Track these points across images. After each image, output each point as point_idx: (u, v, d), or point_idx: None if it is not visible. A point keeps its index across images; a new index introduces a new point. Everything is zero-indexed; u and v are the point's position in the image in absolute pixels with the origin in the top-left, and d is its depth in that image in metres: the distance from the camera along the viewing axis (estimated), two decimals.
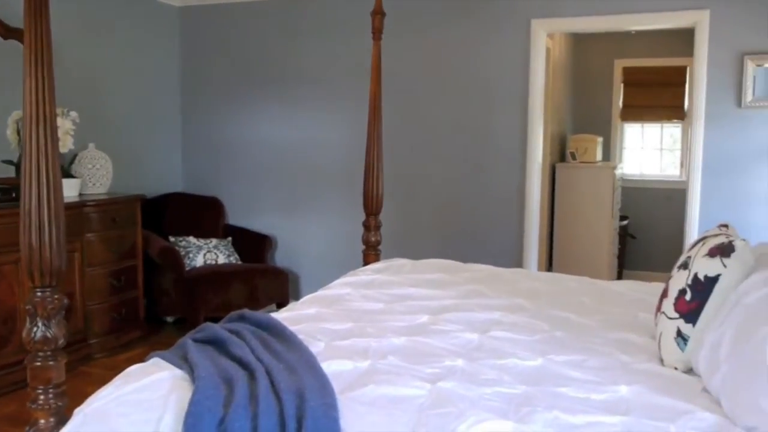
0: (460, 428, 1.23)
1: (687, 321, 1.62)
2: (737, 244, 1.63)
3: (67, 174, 3.54)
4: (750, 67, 3.48)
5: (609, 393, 1.42)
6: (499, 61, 3.89)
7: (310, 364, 1.50)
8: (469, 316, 1.97)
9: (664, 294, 1.76)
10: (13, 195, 3.14)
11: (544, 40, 3.87)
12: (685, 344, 1.60)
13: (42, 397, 1.50)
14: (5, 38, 3.29)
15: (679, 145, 5.79)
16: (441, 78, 4.03)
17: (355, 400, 1.35)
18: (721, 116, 3.56)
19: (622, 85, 5.76)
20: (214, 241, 4.19)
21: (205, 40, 4.58)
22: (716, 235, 1.77)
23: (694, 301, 1.62)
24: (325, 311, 2.02)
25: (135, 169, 4.20)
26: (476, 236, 3.98)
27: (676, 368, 1.61)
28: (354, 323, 1.89)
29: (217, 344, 1.63)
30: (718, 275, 1.60)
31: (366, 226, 2.86)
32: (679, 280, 1.70)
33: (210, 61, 4.58)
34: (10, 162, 3.32)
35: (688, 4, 3.55)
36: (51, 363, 1.51)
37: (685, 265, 1.72)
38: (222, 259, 4.10)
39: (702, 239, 1.80)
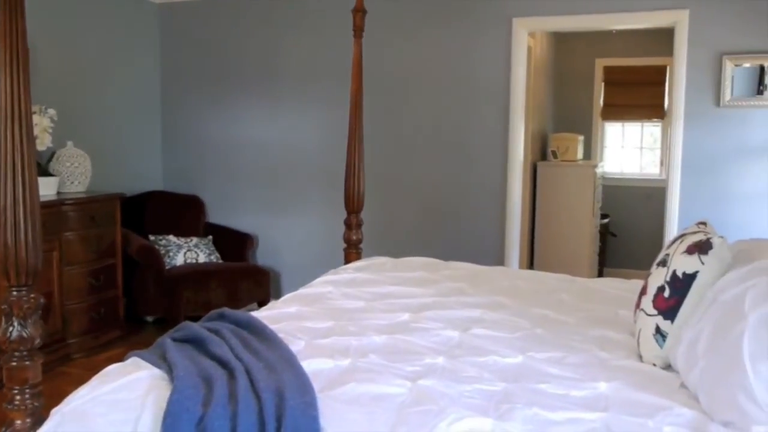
0: (440, 425, 1.23)
1: (665, 318, 1.64)
2: (715, 241, 1.65)
3: (45, 172, 3.48)
4: (728, 66, 3.54)
5: (588, 389, 1.43)
6: (480, 60, 3.91)
7: (290, 362, 1.49)
8: (450, 314, 1.97)
9: (643, 291, 1.78)
10: None
11: (526, 39, 3.89)
12: (664, 341, 1.62)
13: (18, 397, 1.47)
14: None
15: (659, 144, 5.87)
16: (422, 76, 4.03)
17: (335, 399, 1.35)
18: (700, 115, 3.61)
19: (602, 84, 5.82)
20: (195, 239, 4.15)
21: (184, 36, 4.53)
22: (694, 233, 1.80)
23: (673, 298, 1.64)
24: (305, 310, 2.01)
25: (114, 167, 4.14)
26: (458, 234, 3.99)
27: (654, 364, 1.63)
28: (335, 322, 1.89)
29: (197, 343, 1.62)
30: (696, 272, 1.62)
31: (347, 224, 2.85)
32: (658, 277, 1.72)
33: (190, 58, 4.52)
34: None
35: (668, 3, 3.59)
36: (27, 363, 1.49)
37: (663, 263, 1.74)
38: (202, 258, 4.06)
39: (680, 237, 1.82)
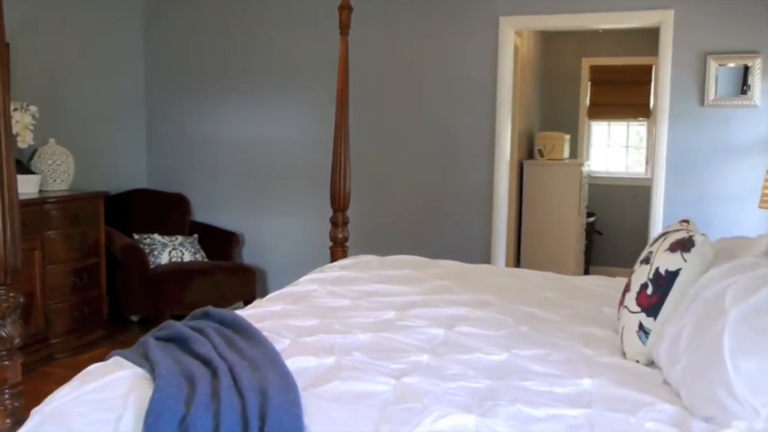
0: (424, 423, 1.23)
1: (648, 315, 1.65)
2: (697, 239, 1.67)
3: (27, 170, 3.43)
4: (713, 66, 3.57)
5: (572, 386, 1.44)
6: (467, 58, 3.91)
7: (274, 360, 1.48)
8: (436, 312, 1.98)
9: (627, 288, 1.79)
10: None
11: (512, 38, 3.90)
12: (647, 337, 1.64)
13: None
14: None
15: (644, 143, 5.92)
16: (409, 74, 4.03)
17: (318, 397, 1.34)
18: (685, 115, 3.64)
19: (589, 83, 5.85)
20: (180, 238, 4.11)
21: (169, 32, 4.48)
22: (677, 230, 1.81)
23: (656, 295, 1.65)
24: (291, 308, 2.00)
25: (97, 164, 4.09)
26: (444, 232, 4.00)
27: (637, 361, 1.64)
28: (320, 320, 1.88)
29: (180, 342, 1.60)
30: (679, 269, 1.64)
31: (333, 222, 2.84)
32: (641, 274, 1.73)
33: (175, 54, 4.48)
34: None
35: (653, 3, 3.62)
36: (6, 363, 1.47)
37: (647, 260, 1.76)
38: (188, 257, 4.03)
39: (664, 234, 1.84)
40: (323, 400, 1.33)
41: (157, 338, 1.64)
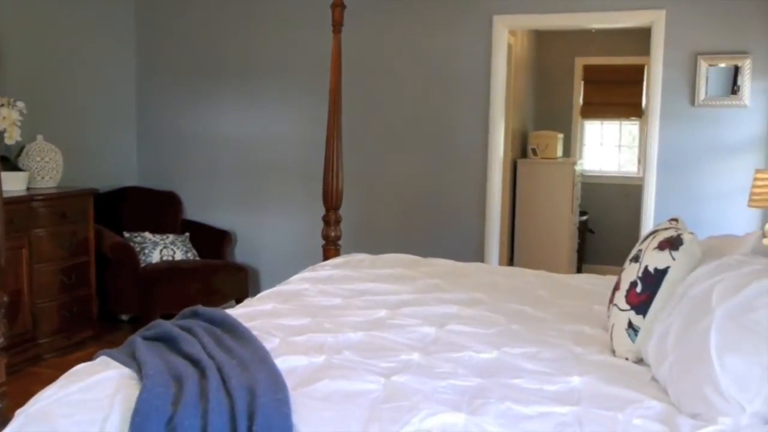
0: (413, 421, 1.23)
1: (638, 312, 1.66)
2: (685, 237, 1.68)
3: (14, 167, 3.39)
4: (703, 66, 3.59)
5: (561, 384, 1.44)
6: (460, 57, 3.91)
7: (263, 360, 1.47)
8: (427, 311, 1.98)
9: (617, 286, 1.80)
10: None
11: (506, 37, 3.91)
12: (636, 335, 1.64)
13: None
14: None
15: (637, 143, 5.94)
16: (402, 72, 4.02)
17: (308, 396, 1.34)
18: (676, 114, 3.66)
19: (582, 82, 5.87)
20: (171, 236, 4.09)
21: (161, 28, 4.45)
22: (666, 229, 1.82)
23: (645, 293, 1.66)
24: (281, 307, 2.00)
25: (87, 162, 4.05)
26: (437, 231, 4.00)
27: (627, 358, 1.65)
28: (311, 318, 1.88)
29: (168, 342, 1.59)
30: (667, 267, 1.64)
31: (326, 221, 2.84)
32: (631, 272, 1.74)
33: (166, 50, 4.45)
34: None
35: (645, 3, 3.63)
36: None
37: (636, 258, 1.76)
38: (179, 255, 4.00)
39: (653, 233, 1.85)
40: (312, 400, 1.32)
41: (145, 338, 1.62)
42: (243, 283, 4.04)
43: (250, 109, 4.32)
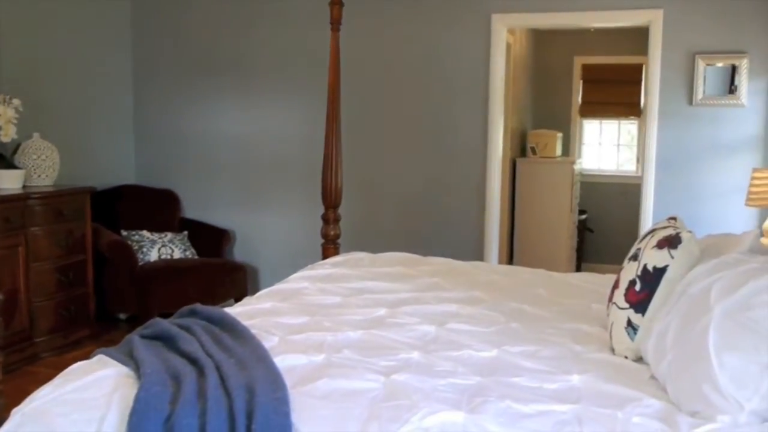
0: (412, 420, 1.23)
1: (637, 311, 1.66)
2: (684, 236, 1.68)
3: (10, 165, 3.37)
4: (701, 66, 3.60)
5: (561, 382, 1.44)
6: (459, 56, 3.91)
7: (262, 358, 1.47)
8: (427, 309, 1.97)
9: (616, 285, 1.80)
10: None
11: (505, 36, 3.91)
12: (635, 333, 1.64)
13: None
14: None
15: (635, 142, 5.95)
16: (401, 71, 4.02)
17: (307, 395, 1.33)
18: (674, 113, 3.67)
19: (581, 81, 5.87)
20: (169, 235, 4.07)
21: (158, 26, 4.43)
22: (665, 228, 1.82)
23: (644, 291, 1.66)
24: (280, 305, 1.99)
25: (84, 160, 4.03)
26: (437, 230, 4.00)
27: (626, 357, 1.65)
28: (310, 317, 1.87)
29: (166, 340, 1.58)
30: (666, 266, 1.64)
31: (325, 219, 2.83)
32: (630, 271, 1.74)
33: (164, 47, 4.43)
34: None
35: (643, 3, 3.64)
36: None
37: (635, 257, 1.77)
38: (178, 254, 3.99)
39: (651, 232, 1.85)
40: (312, 398, 1.32)
41: (143, 336, 1.62)
42: (242, 282, 4.03)
43: (249, 107, 4.31)
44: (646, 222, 3.73)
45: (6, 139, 3.26)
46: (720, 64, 3.59)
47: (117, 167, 4.36)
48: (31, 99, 3.53)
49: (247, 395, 1.29)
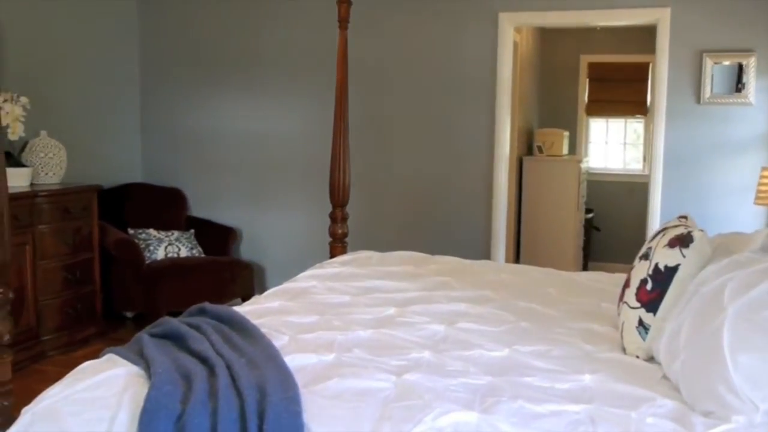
0: (425, 420, 1.22)
1: (648, 310, 1.65)
2: (695, 234, 1.67)
3: (18, 163, 3.38)
4: (708, 64, 3.58)
5: (573, 382, 1.43)
6: (466, 54, 3.89)
7: (273, 357, 1.46)
8: (436, 308, 1.96)
9: (626, 284, 1.79)
10: None
11: (512, 34, 3.89)
12: (647, 333, 1.63)
13: None
14: None
15: (641, 140, 5.93)
16: (408, 70, 4.00)
17: (318, 394, 1.33)
18: (682, 112, 3.65)
19: (587, 80, 5.85)
20: (176, 233, 4.07)
21: (165, 23, 4.43)
22: (676, 226, 1.81)
23: (655, 290, 1.65)
24: (289, 304, 1.98)
25: (91, 158, 4.03)
26: (444, 228, 3.99)
27: (637, 356, 1.64)
28: (319, 316, 1.86)
29: (176, 339, 1.58)
30: (678, 265, 1.63)
31: (333, 218, 2.82)
32: (641, 270, 1.73)
33: (171, 45, 4.43)
34: None
35: (651, 1, 3.62)
36: None
37: (646, 256, 1.75)
38: (184, 252, 3.99)
39: (662, 230, 1.83)
40: (323, 398, 1.31)
41: (153, 335, 1.61)
42: (248, 281, 4.03)
43: (256, 106, 4.30)
44: (654, 221, 3.71)
45: (14, 137, 3.26)
46: (727, 63, 3.57)
47: (124, 165, 4.37)
48: (39, 97, 3.53)
49: (259, 395, 1.28)
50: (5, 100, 3.18)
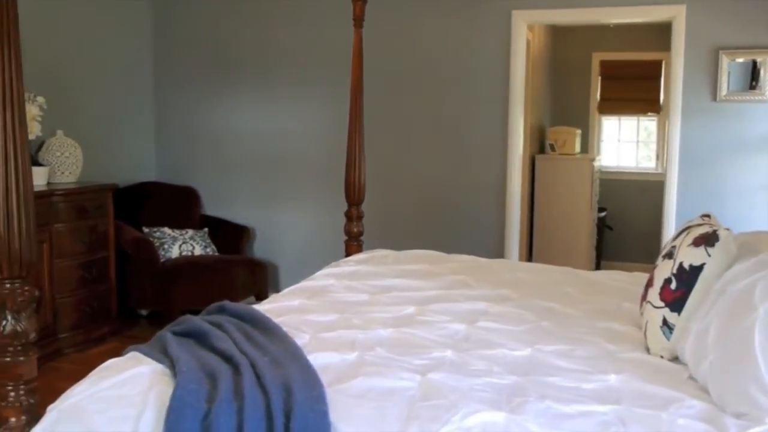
0: (453, 420, 1.21)
1: (672, 310, 1.63)
2: (721, 233, 1.65)
3: (35, 162, 3.40)
4: (725, 61, 3.54)
5: (598, 382, 1.42)
6: (479, 52, 3.88)
7: (296, 356, 1.46)
8: (455, 307, 1.95)
9: (649, 283, 1.77)
10: None
11: (525, 32, 3.87)
12: (671, 333, 1.61)
13: (12, 394, 1.42)
14: None
15: (653, 138, 5.88)
16: (422, 68, 3.99)
17: (343, 393, 1.32)
18: (697, 110, 3.61)
19: (599, 78, 5.81)
20: (190, 231, 4.09)
21: (179, 22, 4.44)
22: (700, 225, 1.79)
23: (680, 290, 1.63)
24: (308, 303, 1.98)
25: (106, 157, 4.05)
26: (457, 227, 3.97)
27: (662, 356, 1.62)
28: (339, 315, 1.86)
29: (198, 337, 1.58)
30: (703, 264, 1.61)
31: (348, 216, 2.81)
32: (664, 269, 1.71)
33: (184, 45, 4.44)
34: None
35: None
36: (21, 358, 1.44)
37: (669, 255, 1.73)
38: (198, 251, 4.00)
39: (686, 229, 1.81)
40: (348, 397, 1.30)
41: (175, 333, 1.61)
42: (262, 279, 4.03)
43: (269, 104, 4.30)
44: (669, 220, 3.68)
45: (30, 137, 3.27)
46: (741, 60, 3.53)
47: (138, 164, 4.38)
48: (55, 97, 3.55)
49: (285, 394, 1.28)
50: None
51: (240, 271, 3.94)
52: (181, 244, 3.94)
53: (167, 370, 1.40)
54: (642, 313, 1.76)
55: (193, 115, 4.45)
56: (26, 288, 1.46)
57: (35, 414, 1.42)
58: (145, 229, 3.97)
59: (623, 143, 5.99)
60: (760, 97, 3.53)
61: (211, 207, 4.44)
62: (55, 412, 1.32)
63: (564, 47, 5.74)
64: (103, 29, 4.09)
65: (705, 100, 3.61)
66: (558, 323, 1.84)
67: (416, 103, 4.02)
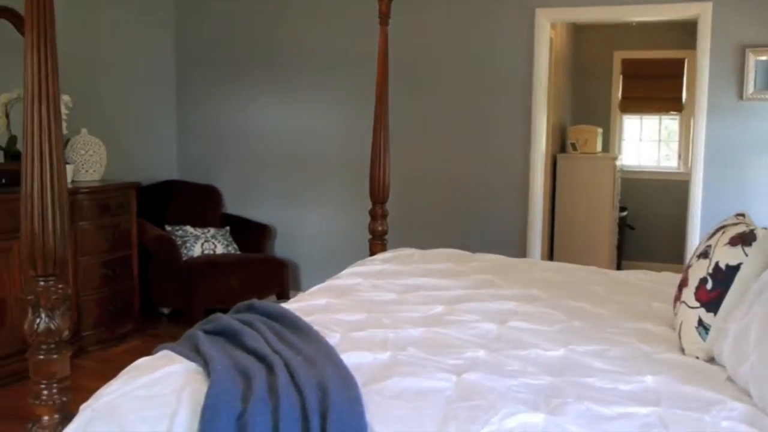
0: (493, 421, 1.19)
1: (708, 310, 1.60)
2: (759, 233, 1.61)
3: None
4: (751, 59, 3.47)
5: (635, 383, 1.40)
6: (503, 50, 3.85)
7: (329, 355, 1.44)
8: (484, 306, 1.94)
9: (684, 283, 1.74)
10: (2, 181, 3.01)
11: (548, 30, 3.83)
12: (707, 333, 1.58)
13: (45, 392, 1.42)
14: None
15: (675, 137, 5.80)
16: (444, 66, 3.97)
17: (378, 393, 1.31)
18: (723, 108, 3.55)
19: (621, 76, 5.75)
20: (212, 230, 4.10)
21: (201, 21, 4.46)
22: (735, 224, 1.75)
23: (716, 290, 1.60)
24: (336, 302, 1.97)
25: (129, 155, 4.08)
26: (479, 226, 3.94)
27: (697, 357, 1.59)
28: (368, 314, 1.85)
29: (230, 336, 1.57)
30: (740, 264, 1.58)
31: (372, 215, 2.80)
32: (700, 269, 1.68)
33: (207, 43, 4.46)
34: None
35: None
36: (54, 356, 1.44)
37: (705, 254, 1.70)
38: (220, 249, 4.02)
39: (721, 228, 1.78)
40: (383, 397, 1.29)
41: (206, 332, 1.61)
42: (283, 278, 4.04)
43: (291, 102, 4.30)
44: (695, 220, 3.62)
45: None
46: (764, 57, 3.45)
47: (161, 163, 4.41)
48: (79, 95, 3.58)
49: (320, 393, 1.27)
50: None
51: (261, 269, 3.95)
52: (203, 243, 3.96)
53: (200, 369, 1.39)
54: (676, 314, 1.73)
55: (216, 114, 4.46)
56: (60, 286, 1.46)
57: (67, 413, 1.42)
58: (168, 228, 3.99)
59: (645, 142, 5.92)
60: None
61: (232, 205, 4.45)
62: (88, 411, 1.31)
63: (585, 46, 5.69)
64: (128, 28, 4.13)
65: (731, 99, 3.54)
66: (589, 323, 1.82)
67: (439, 102, 4.00)
